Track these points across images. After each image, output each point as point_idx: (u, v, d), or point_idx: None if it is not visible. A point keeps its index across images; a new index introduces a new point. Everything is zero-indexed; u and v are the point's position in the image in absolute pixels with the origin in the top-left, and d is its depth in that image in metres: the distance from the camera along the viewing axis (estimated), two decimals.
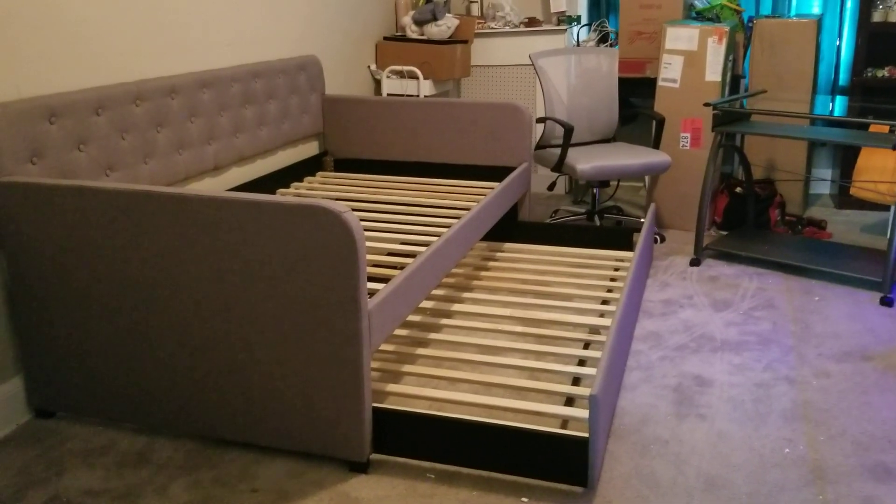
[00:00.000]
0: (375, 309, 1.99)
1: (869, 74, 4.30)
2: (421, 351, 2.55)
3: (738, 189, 4.09)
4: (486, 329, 2.74)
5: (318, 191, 3.46)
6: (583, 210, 4.31)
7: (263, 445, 2.12)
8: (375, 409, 2.03)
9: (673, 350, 2.80)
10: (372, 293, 2.13)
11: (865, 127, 3.72)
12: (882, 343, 2.84)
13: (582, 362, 2.62)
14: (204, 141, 2.91)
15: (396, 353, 2.56)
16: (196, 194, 1.93)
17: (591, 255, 3.53)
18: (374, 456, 2.10)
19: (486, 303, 3.02)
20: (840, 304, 3.18)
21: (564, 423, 2.27)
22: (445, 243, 2.57)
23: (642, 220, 4.13)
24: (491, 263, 3.42)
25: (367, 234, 2.86)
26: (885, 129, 3.60)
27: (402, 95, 4.32)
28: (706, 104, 3.51)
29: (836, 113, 3.56)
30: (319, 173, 3.73)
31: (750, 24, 4.32)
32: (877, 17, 4.25)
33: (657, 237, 4.01)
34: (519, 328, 2.73)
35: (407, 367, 2.43)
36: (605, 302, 3.06)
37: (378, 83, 4.45)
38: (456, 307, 2.91)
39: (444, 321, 2.79)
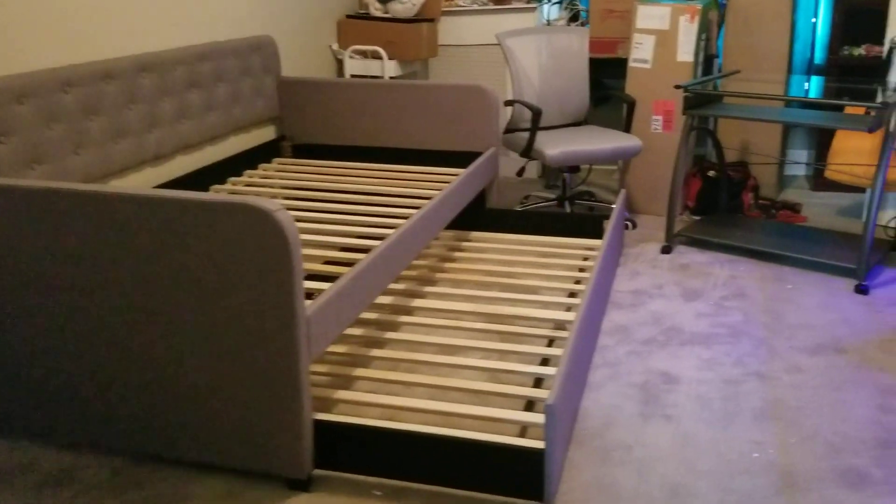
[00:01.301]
0: (315, 315, 1.84)
1: (845, 53, 4.18)
2: (376, 352, 2.42)
3: (711, 173, 3.97)
4: (448, 327, 2.60)
5: (273, 179, 3.29)
6: (554, 196, 4.18)
7: (196, 462, 1.98)
8: (317, 422, 1.89)
9: (641, 344, 2.69)
10: (318, 294, 1.98)
11: (841, 108, 3.60)
12: (856, 334, 2.75)
13: (546, 361, 2.50)
14: (144, 129, 2.74)
15: (349, 355, 2.42)
16: (113, 192, 1.77)
17: (561, 243, 3.39)
18: (317, 472, 1.96)
19: (449, 297, 2.88)
20: (813, 293, 3.08)
21: (524, 429, 2.15)
22: (401, 237, 2.43)
23: (615, 205, 4.01)
24: (457, 254, 3.28)
25: (321, 226, 2.71)
26: (861, 110, 3.48)
27: (367, 77, 4.15)
28: (677, 86, 3.37)
29: (812, 94, 3.44)
30: (276, 160, 3.57)
31: (723, 2, 4.18)
32: None
33: (628, 223, 3.89)
34: (481, 325, 2.60)
35: (359, 371, 2.30)
36: (572, 294, 2.94)
37: (340, 63, 4.27)
38: (417, 303, 2.77)
39: (403, 318, 2.65)
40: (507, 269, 3.09)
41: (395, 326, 2.65)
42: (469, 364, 2.33)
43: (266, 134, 3.64)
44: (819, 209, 4.11)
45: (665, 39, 3.82)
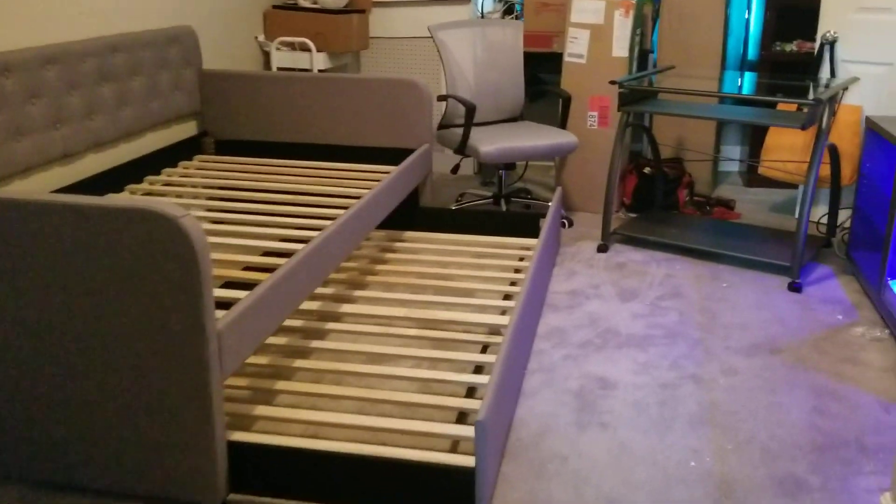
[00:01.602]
0: (228, 328, 1.71)
1: (778, 48, 4.20)
2: (300, 363, 2.28)
3: (647, 169, 3.95)
4: (378, 334, 2.48)
5: (194, 178, 3.12)
6: (490, 193, 4.09)
7: (101, 490, 1.82)
8: (231, 444, 1.76)
9: (577, 348, 2.62)
10: (232, 305, 1.84)
11: (774, 105, 3.61)
12: (790, 333, 2.73)
13: (479, 368, 2.41)
14: (49, 125, 2.54)
15: (270, 366, 2.28)
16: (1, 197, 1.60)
17: (496, 243, 3.31)
18: (232, 496, 1.83)
19: (380, 302, 2.76)
20: (748, 291, 3.07)
21: (456, 443, 2.05)
22: (327, 239, 2.30)
23: (551, 203, 3.95)
24: (389, 255, 3.16)
25: (243, 229, 2.56)
26: (794, 107, 3.49)
27: (295, 70, 3.99)
28: (612, 82, 3.32)
29: (745, 90, 3.43)
30: (197, 157, 3.38)
31: None
32: None
33: (565, 221, 3.84)
34: (413, 331, 2.49)
35: (281, 384, 2.16)
36: (507, 296, 2.85)
37: (267, 56, 4.10)
38: (345, 308, 2.64)
39: (331, 325, 2.52)
40: (441, 271, 2.99)
41: (321, 334, 2.52)
42: (399, 374, 2.22)
43: (187, 130, 3.45)
44: (753, 206, 4.13)
45: (600, 34, 3.77)
